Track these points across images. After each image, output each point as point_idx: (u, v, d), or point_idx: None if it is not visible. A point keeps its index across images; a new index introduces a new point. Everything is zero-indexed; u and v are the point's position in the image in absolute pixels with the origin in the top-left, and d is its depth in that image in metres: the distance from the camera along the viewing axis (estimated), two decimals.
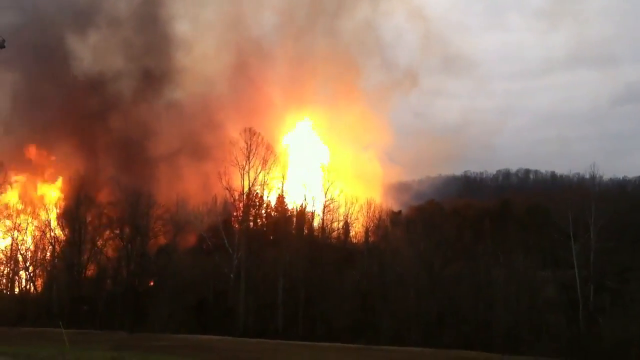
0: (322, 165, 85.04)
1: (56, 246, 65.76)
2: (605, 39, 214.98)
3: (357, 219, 71.31)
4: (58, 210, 67.76)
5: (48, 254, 66.37)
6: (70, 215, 65.51)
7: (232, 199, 66.59)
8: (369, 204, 71.16)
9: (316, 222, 71.03)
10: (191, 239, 70.11)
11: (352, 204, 71.15)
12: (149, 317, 57.25)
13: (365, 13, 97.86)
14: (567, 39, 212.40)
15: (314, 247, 64.34)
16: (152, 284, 64.41)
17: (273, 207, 73.76)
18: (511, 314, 51.63)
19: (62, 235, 66.23)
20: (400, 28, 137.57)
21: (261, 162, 65.23)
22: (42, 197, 74.00)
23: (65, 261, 64.53)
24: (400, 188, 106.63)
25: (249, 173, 64.59)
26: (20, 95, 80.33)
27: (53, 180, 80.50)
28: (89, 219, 65.75)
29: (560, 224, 54.11)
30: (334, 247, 67.62)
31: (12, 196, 71.79)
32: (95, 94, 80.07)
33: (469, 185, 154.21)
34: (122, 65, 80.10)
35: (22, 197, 72.77)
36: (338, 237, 71.43)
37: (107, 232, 66.12)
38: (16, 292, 66.93)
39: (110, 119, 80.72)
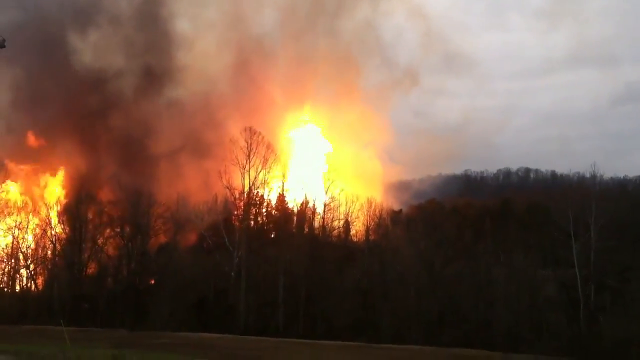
0: (323, 165, 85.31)
1: (57, 244, 65.83)
2: (606, 38, 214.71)
3: (357, 217, 71.35)
4: (59, 208, 67.80)
5: (49, 252, 66.43)
6: (71, 214, 65.61)
7: (232, 197, 66.68)
8: (370, 203, 71.18)
9: (317, 221, 71.10)
10: (192, 238, 70.17)
11: (352, 202, 71.24)
12: (150, 315, 57.30)
13: (366, 12, 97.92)
14: (567, 39, 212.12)
15: (314, 245, 64.36)
16: (152, 282, 64.46)
17: (273, 206, 73.80)
18: (512, 313, 51.62)
19: (63, 234, 66.32)
20: (400, 27, 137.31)
21: (261, 161, 65.28)
22: (44, 188, 74.11)
23: (66, 259, 64.63)
24: (400, 187, 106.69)
25: (249, 172, 64.64)
26: (21, 93, 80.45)
27: (54, 172, 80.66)
28: (89, 217, 65.83)
29: (561, 223, 54.06)
30: (334, 246, 67.63)
31: (14, 190, 72.08)
32: (96, 92, 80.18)
33: (469, 184, 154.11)
34: (123, 64, 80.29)
35: (24, 188, 72.97)
36: (339, 235, 71.47)
37: (108, 231, 66.19)
38: (17, 290, 67.03)
39: (111, 117, 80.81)
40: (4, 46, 36.67)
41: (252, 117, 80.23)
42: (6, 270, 66.68)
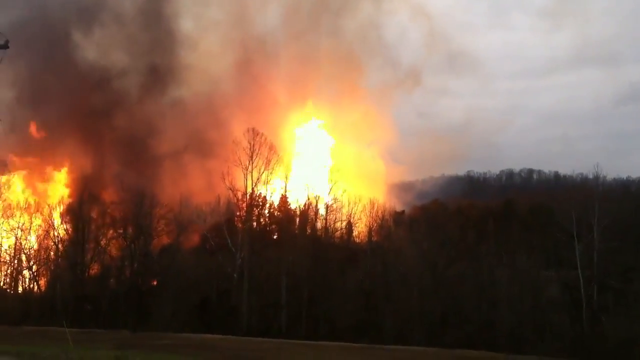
0: (326, 163, 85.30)
1: (60, 245, 65.91)
2: (609, 38, 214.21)
3: (360, 218, 71.38)
4: (62, 209, 67.88)
5: (52, 253, 66.51)
6: (74, 214, 65.70)
7: (235, 199, 66.67)
8: (372, 204, 71.22)
9: (319, 222, 71.07)
10: (194, 239, 70.17)
11: (355, 203, 71.24)
12: (152, 316, 57.30)
13: (369, 11, 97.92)
14: (570, 39, 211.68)
15: (317, 246, 64.35)
16: (155, 283, 64.50)
17: (276, 207, 73.80)
18: (514, 314, 51.58)
19: (66, 235, 66.41)
20: (403, 27, 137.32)
21: (264, 162, 65.25)
22: (48, 181, 74.25)
23: (69, 260, 64.68)
24: (403, 188, 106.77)
25: (252, 173, 64.60)
26: (25, 91, 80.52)
27: (59, 167, 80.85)
28: (93, 217, 65.92)
29: (564, 224, 54.01)
30: (337, 247, 67.63)
31: (18, 183, 72.33)
32: (99, 91, 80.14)
33: (472, 185, 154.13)
34: (126, 62, 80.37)
35: (27, 182, 73.21)
36: (341, 236, 71.47)
37: (111, 232, 66.25)
38: (20, 291, 67.13)
39: (114, 116, 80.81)
40: (8, 47, 36.63)
41: (255, 116, 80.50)
42: (9, 271, 66.80)
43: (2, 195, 67.13)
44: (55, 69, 79.47)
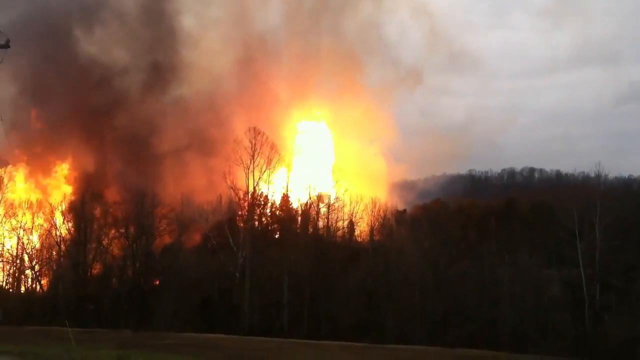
0: (328, 162, 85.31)
1: (62, 245, 65.98)
2: (610, 37, 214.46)
3: (362, 217, 71.33)
4: (64, 207, 67.92)
5: (54, 252, 66.57)
6: (76, 213, 65.75)
7: (236, 198, 66.67)
8: (374, 203, 71.17)
9: (321, 221, 71.05)
10: (196, 238, 70.22)
11: (357, 202, 71.21)
12: (155, 316, 57.35)
13: (370, 10, 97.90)
14: (571, 38, 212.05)
15: (319, 246, 64.31)
16: (157, 282, 64.53)
17: (278, 206, 73.79)
18: (516, 313, 51.51)
19: (68, 235, 66.47)
20: (404, 25, 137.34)
21: (266, 162, 65.27)
22: (52, 173, 74.42)
23: (71, 260, 64.75)
24: (405, 187, 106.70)
25: (253, 172, 64.62)
26: (27, 90, 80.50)
27: (61, 160, 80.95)
28: (95, 217, 65.95)
29: (566, 223, 53.93)
30: (339, 246, 67.59)
31: (19, 180, 72.48)
32: (101, 89, 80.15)
33: (474, 184, 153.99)
34: (128, 61, 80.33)
35: (29, 173, 73.38)
36: (343, 236, 71.43)
37: (113, 231, 66.31)
38: (22, 291, 67.20)
39: (116, 115, 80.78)
40: (9, 46, 36.64)
41: (256, 115, 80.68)
42: (11, 271, 66.86)
43: (4, 192, 67.05)
44: (57, 67, 79.54)
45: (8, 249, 66.13)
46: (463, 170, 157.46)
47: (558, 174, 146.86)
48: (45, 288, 66.86)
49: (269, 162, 65.35)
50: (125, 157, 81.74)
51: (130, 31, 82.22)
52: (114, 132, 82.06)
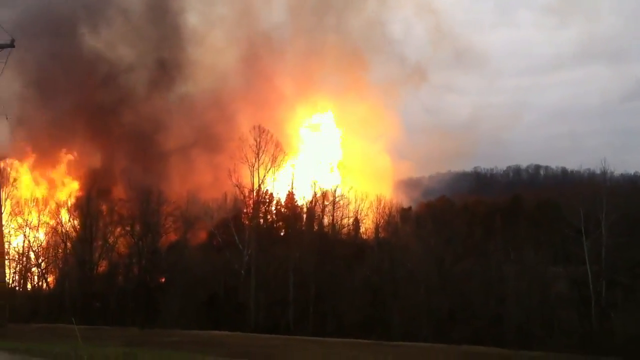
0: (332, 162, 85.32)
1: (68, 243, 66.15)
2: (615, 35, 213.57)
3: (367, 215, 71.36)
4: (70, 205, 68.10)
5: (60, 250, 66.77)
6: (82, 211, 65.91)
7: (242, 195, 66.77)
8: (379, 200, 71.22)
9: (326, 219, 71.07)
10: (201, 236, 70.36)
11: (362, 200, 71.23)
12: (161, 313, 57.52)
13: (374, 7, 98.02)
14: (576, 35, 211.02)
15: (324, 243, 64.39)
16: (163, 280, 64.72)
17: (283, 204, 73.86)
18: (522, 310, 51.42)
19: (74, 232, 66.64)
20: (409, 22, 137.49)
21: (270, 159, 65.35)
22: (58, 164, 74.71)
23: (77, 258, 64.94)
24: (410, 184, 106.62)
25: (258, 170, 64.69)
26: (32, 87, 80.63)
27: (68, 155, 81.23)
28: (100, 214, 66.08)
29: (571, 220, 53.78)
30: (344, 243, 67.67)
31: (25, 174, 72.73)
32: (107, 87, 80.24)
33: (479, 182, 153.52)
34: (133, 58, 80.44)
35: (33, 164, 73.70)
36: (348, 233, 71.45)
37: (119, 229, 66.47)
38: (29, 289, 67.42)
39: (121, 112, 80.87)
40: (14, 46, 36.80)
41: (261, 112, 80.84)
42: (18, 268, 67.08)
43: (10, 189, 67.13)
44: (62, 64, 79.56)
45: (14, 247, 66.28)
46: (468, 167, 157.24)
47: (564, 171, 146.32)
48: (51, 285, 67.10)
49: (273, 159, 65.50)
50: (131, 154, 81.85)
51: (135, 28, 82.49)
52: (119, 130, 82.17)
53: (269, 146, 65.38)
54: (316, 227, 70.15)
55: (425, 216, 69.33)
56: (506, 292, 53.33)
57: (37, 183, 77.00)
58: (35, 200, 68.49)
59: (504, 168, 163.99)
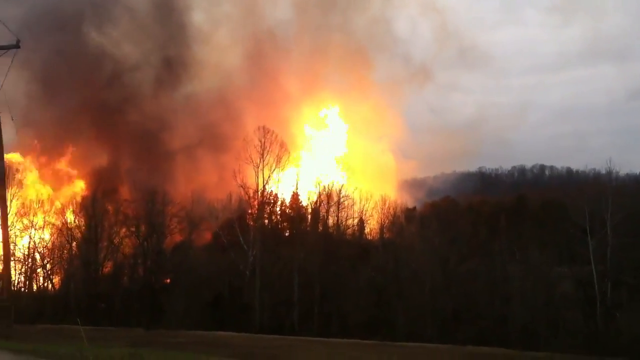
0: (337, 161, 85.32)
1: (73, 244, 66.30)
2: (620, 33, 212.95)
3: (371, 215, 71.32)
4: (76, 203, 68.27)
5: (65, 251, 66.92)
6: (87, 212, 66.05)
7: (246, 196, 66.81)
8: (384, 201, 71.19)
9: (331, 219, 71.10)
10: (206, 236, 70.44)
11: (366, 200, 71.20)
12: (165, 314, 57.61)
13: (379, 5, 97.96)
14: (582, 34, 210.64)
15: (329, 243, 64.40)
16: (168, 281, 64.82)
17: (287, 205, 73.89)
18: (528, 310, 51.32)
19: (79, 233, 66.76)
20: (414, 21, 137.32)
21: (275, 160, 65.37)
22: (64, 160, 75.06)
23: (82, 259, 65.06)
24: (415, 184, 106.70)
25: (263, 171, 64.73)
26: (37, 87, 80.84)
27: (74, 154, 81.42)
28: (107, 214, 66.19)
29: (577, 220, 53.68)
30: (349, 244, 67.67)
31: (30, 176, 72.97)
32: (112, 86, 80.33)
33: (484, 182, 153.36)
34: (138, 57, 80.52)
35: (41, 174, 73.91)
36: (353, 233, 71.43)
37: (124, 230, 66.58)
38: (34, 290, 67.59)
39: (127, 111, 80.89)
40: (19, 46, 36.96)
41: (266, 110, 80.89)
42: (23, 269, 67.25)
43: (15, 188, 67.30)
44: (67, 62, 79.67)
45: (20, 248, 66.44)
46: (473, 167, 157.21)
47: (569, 170, 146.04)
48: (57, 286, 67.26)
49: (278, 160, 65.50)
50: (136, 153, 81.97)
51: (141, 27, 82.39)
52: (124, 128, 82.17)
53: (273, 147, 65.50)
54: (321, 228, 70.17)
55: (430, 216, 69.24)
56: (511, 292, 53.25)
57: (42, 178, 77.02)
58: (40, 202, 68.58)
59: (509, 168, 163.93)
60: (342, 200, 70.37)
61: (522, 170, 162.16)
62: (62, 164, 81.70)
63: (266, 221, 69.24)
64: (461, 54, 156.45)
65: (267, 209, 69.42)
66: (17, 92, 75.48)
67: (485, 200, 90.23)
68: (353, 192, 71.34)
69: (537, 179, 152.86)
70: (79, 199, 69.92)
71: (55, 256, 67.34)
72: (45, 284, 67.70)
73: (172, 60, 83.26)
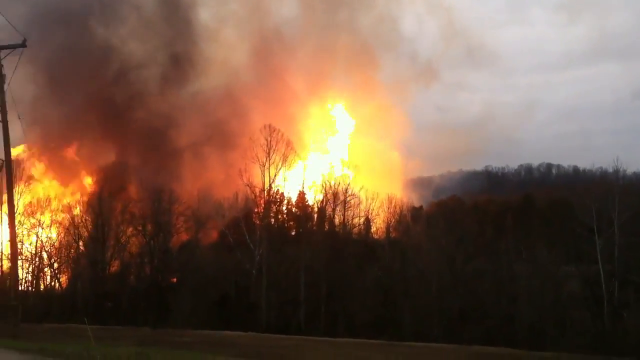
0: (343, 160, 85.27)
1: (80, 243, 66.46)
2: (626, 31, 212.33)
3: (378, 214, 71.25)
4: (83, 202, 68.40)
5: (72, 250, 67.09)
6: (94, 211, 66.20)
7: (252, 195, 66.81)
8: (390, 200, 71.11)
9: (337, 218, 71.06)
10: (213, 235, 70.44)
11: (373, 199, 71.12)
12: (172, 313, 57.65)
13: (386, 4, 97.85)
14: (588, 32, 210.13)
15: (335, 243, 64.36)
16: (174, 280, 64.89)
17: (294, 203, 73.87)
18: (535, 309, 51.17)
19: (86, 232, 66.91)
20: (420, 20, 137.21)
21: (281, 159, 65.33)
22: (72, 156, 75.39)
23: (89, 258, 65.21)
24: (421, 183, 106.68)
25: (269, 170, 64.71)
26: (44, 85, 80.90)
27: (80, 152, 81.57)
28: (114, 213, 66.31)
29: (584, 219, 53.53)
30: (355, 243, 67.58)
31: (37, 175, 73.25)
32: (119, 83, 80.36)
33: (490, 180, 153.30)
34: (145, 54, 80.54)
35: (48, 172, 74.16)
36: (359, 232, 71.38)
37: (130, 229, 66.70)
38: (41, 289, 67.79)
39: (134, 109, 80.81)
40: (25, 45, 37.02)
41: (273, 108, 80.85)
42: (30, 269, 67.45)
43: (22, 187, 67.46)
44: (74, 60, 79.64)
45: (27, 247, 66.64)
46: (479, 166, 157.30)
47: (575, 169, 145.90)
48: (64, 286, 67.42)
49: (284, 159, 65.47)
50: (143, 151, 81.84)
51: (148, 24, 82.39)
52: (131, 126, 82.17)
53: (279, 145, 65.49)
54: (327, 227, 70.15)
55: (436, 215, 69.11)
56: (518, 292, 53.12)
57: (48, 171, 77.12)
58: (47, 201, 68.71)
59: (516, 167, 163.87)
60: (348, 199, 70.33)
61: (528, 169, 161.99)
62: (70, 157, 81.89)
63: (272, 220, 69.27)
64: (468, 53, 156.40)
65: (274, 208, 69.40)
66: (24, 90, 75.68)
67: (491, 199, 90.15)
68: (359, 191, 71.35)
69: (544, 178, 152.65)
70: (86, 196, 70.04)
71: (63, 255, 67.49)
72: (53, 283, 67.87)
73: (179, 57, 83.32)
